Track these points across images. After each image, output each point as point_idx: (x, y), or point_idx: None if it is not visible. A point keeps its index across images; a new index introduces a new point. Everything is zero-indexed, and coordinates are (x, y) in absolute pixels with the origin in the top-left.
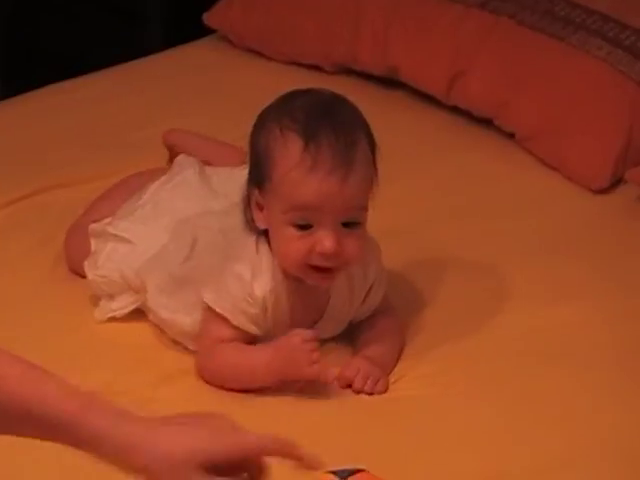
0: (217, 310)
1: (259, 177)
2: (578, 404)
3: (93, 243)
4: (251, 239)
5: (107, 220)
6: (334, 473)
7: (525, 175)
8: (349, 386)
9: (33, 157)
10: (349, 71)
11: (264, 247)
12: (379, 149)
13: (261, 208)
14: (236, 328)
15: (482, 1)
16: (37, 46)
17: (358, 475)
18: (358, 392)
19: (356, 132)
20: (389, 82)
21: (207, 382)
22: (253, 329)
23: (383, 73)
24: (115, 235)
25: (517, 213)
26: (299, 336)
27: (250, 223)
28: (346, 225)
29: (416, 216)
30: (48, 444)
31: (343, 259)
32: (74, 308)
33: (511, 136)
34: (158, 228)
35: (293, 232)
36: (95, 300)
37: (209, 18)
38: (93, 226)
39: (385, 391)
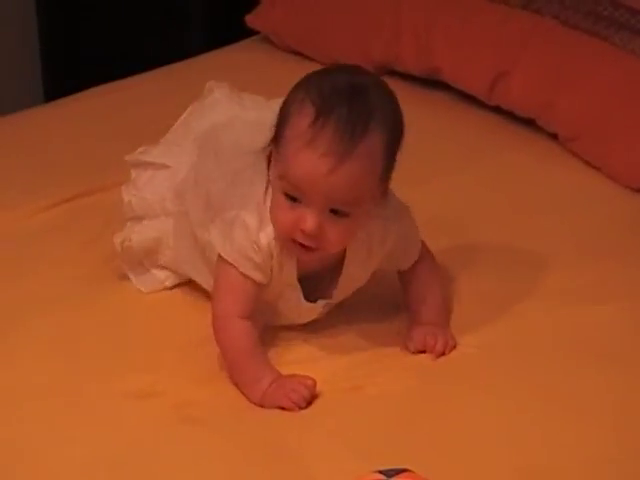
0: (223, 255)
1: (277, 132)
2: (614, 404)
3: (133, 173)
4: (261, 186)
5: (141, 149)
6: (380, 472)
7: (568, 175)
8: (422, 351)
9: (78, 159)
10: (391, 72)
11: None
12: (402, 146)
13: (272, 162)
14: (242, 274)
15: (525, 1)
16: (81, 48)
17: (404, 475)
18: (437, 354)
19: (372, 123)
20: (431, 83)
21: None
22: (258, 276)
23: (425, 74)
24: (152, 162)
25: (559, 212)
26: (305, 379)
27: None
28: (335, 211)
29: (458, 214)
30: None
31: (322, 243)
32: (116, 309)
33: (554, 136)
34: (191, 147)
35: (283, 200)
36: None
37: (251, 20)
38: (128, 157)
39: (455, 345)
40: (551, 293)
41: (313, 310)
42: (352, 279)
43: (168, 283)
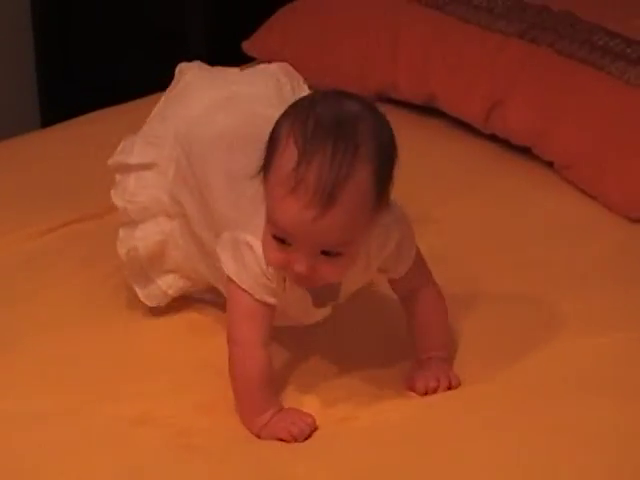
0: (238, 283)
1: (263, 166)
2: (618, 435)
3: (117, 176)
4: (262, 207)
5: (120, 148)
6: None
7: (564, 203)
8: (426, 392)
9: (75, 185)
10: (387, 99)
11: None
12: (393, 177)
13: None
14: (257, 301)
15: (521, 30)
16: (78, 73)
17: None
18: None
19: (358, 158)
20: (427, 110)
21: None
22: (273, 300)
23: (421, 101)
24: (134, 165)
25: (555, 241)
26: (305, 416)
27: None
28: (326, 252)
29: (454, 243)
30: None
31: (318, 281)
32: (114, 334)
33: (550, 165)
34: (172, 141)
35: (272, 241)
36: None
37: (248, 46)
38: (110, 161)
39: (459, 383)
40: (551, 324)
41: (322, 312)
42: (353, 283)
43: (172, 292)
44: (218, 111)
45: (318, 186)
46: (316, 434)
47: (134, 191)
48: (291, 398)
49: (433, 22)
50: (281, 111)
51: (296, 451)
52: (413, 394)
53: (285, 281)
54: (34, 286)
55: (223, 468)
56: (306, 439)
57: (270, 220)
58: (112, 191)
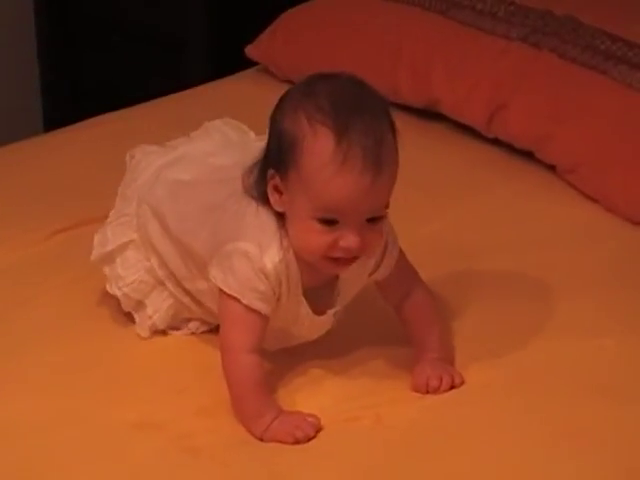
0: (225, 290)
1: (281, 161)
2: (620, 436)
3: (106, 269)
4: (250, 209)
5: (95, 243)
6: None
7: (566, 207)
8: (428, 391)
9: (76, 189)
10: (390, 103)
11: (266, 216)
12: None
13: (279, 192)
14: (246, 307)
15: (523, 34)
16: (81, 78)
17: None
18: (437, 392)
19: (383, 124)
20: (429, 114)
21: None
22: (263, 307)
23: (424, 105)
24: (114, 249)
25: (558, 245)
26: (309, 417)
27: (251, 193)
28: (369, 220)
29: (456, 247)
30: None
31: (363, 252)
32: (115, 342)
33: (552, 168)
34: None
35: (317, 226)
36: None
37: (251, 51)
38: (93, 258)
39: (462, 382)
40: (553, 327)
41: (325, 323)
42: (350, 285)
43: (198, 332)
44: (172, 167)
45: (365, 154)
46: (320, 435)
47: (124, 275)
48: (294, 400)
49: (435, 26)
50: (231, 158)
51: (300, 452)
52: (416, 394)
53: (281, 286)
54: (36, 291)
55: (226, 471)
56: (310, 440)
57: (316, 205)
58: (107, 285)
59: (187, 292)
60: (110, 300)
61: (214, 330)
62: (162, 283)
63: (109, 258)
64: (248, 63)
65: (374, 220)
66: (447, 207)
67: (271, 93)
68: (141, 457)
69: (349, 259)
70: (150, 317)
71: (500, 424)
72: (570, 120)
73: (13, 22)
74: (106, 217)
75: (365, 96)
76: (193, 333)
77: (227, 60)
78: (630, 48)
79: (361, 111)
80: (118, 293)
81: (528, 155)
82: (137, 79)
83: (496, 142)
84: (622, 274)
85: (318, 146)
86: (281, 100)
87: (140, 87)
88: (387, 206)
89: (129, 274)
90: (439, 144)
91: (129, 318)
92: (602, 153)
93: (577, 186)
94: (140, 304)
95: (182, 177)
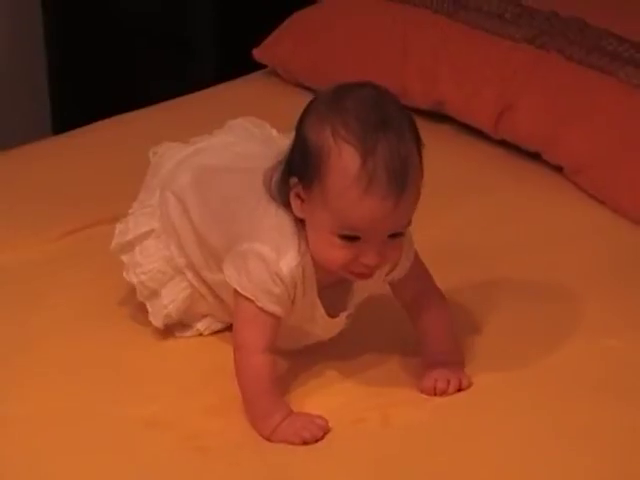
0: (240, 291)
1: (305, 172)
2: (628, 437)
3: (124, 258)
4: (269, 209)
5: (116, 232)
6: None
7: (573, 208)
8: (436, 393)
9: (86, 191)
10: None
11: (286, 219)
12: (423, 169)
13: (301, 199)
14: (260, 309)
15: (530, 36)
16: (89, 81)
17: None
18: (445, 394)
19: (409, 141)
20: (437, 116)
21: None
22: (277, 310)
23: (430, 107)
24: (134, 238)
25: (565, 246)
26: (318, 419)
27: (272, 193)
28: (391, 235)
29: (463, 248)
30: None
31: (382, 266)
32: (126, 341)
33: (559, 170)
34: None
35: (338, 241)
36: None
37: (259, 53)
38: (112, 247)
39: (469, 384)
40: (560, 328)
41: (338, 324)
42: (365, 287)
43: (207, 332)
44: (197, 155)
45: (390, 176)
46: (328, 436)
47: (143, 262)
48: (301, 401)
49: (442, 28)
50: (255, 148)
51: (308, 453)
52: (424, 396)
53: (296, 288)
54: (47, 290)
55: (235, 470)
56: (317, 441)
57: (340, 223)
58: (124, 273)
59: (205, 282)
60: (123, 300)
61: (223, 332)
62: (181, 272)
63: (128, 247)
64: (256, 66)
65: (395, 235)
66: (454, 208)
67: (279, 96)
68: (150, 456)
69: (368, 273)
70: (165, 307)
71: (507, 425)
72: (577, 121)
73: (21, 24)
74: (116, 219)
75: (391, 111)
76: (201, 334)
77: (235, 63)
78: (637, 49)
79: (387, 129)
80: (135, 280)
81: (535, 156)
82: (145, 82)
83: (503, 143)
84: (628, 275)
85: (342, 166)
86: (307, 109)
87: (148, 90)
88: (409, 223)
89: (148, 262)
90: (446, 145)
91: (142, 318)
92: (609, 154)
93: (584, 187)
94: (155, 294)
95: (206, 162)
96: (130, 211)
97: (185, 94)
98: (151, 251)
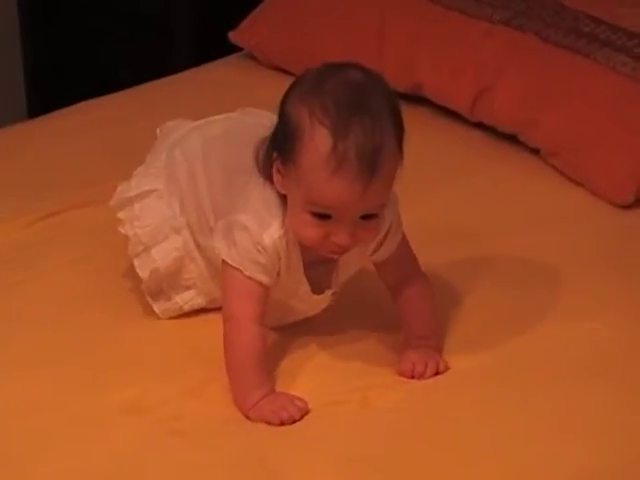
0: (228, 261)
1: (283, 149)
2: (607, 420)
3: (120, 214)
4: (258, 183)
5: (117, 191)
6: None
7: (550, 190)
8: (413, 376)
9: (61, 175)
10: None
11: (271, 193)
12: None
13: (281, 174)
14: (248, 277)
15: (507, 18)
16: (65, 63)
17: None
18: (422, 377)
19: (385, 126)
20: (414, 98)
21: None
22: (264, 279)
23: (408, 90)
24: (135, 195)
25: (542, 228)
26: (298, 400)
27: (259, 167)
28: (363, 216)
29: (440, 230)
30: None
31: (355, 246)
32: (102, 323)
33: (536, 152)
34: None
35: (310, 218)
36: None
37: (235, 36)
38: (112, 202)
39: (446, 368)
40: (540, 310)
41: (322, 301)
42: (349, 265)
43: (187, 307)
44: (206, 125)
45: (360, 160)
46: (307, 418)
47: (141, 216)
48: (282, 381)
49: (419, 10)
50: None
51: (286, 435)
52: (403, 378)
53: (280, 261)
54: (26, 274)
55: (213, 453)
56: (294, 422)
57: (310, 200)
58: (119, 227)
59: (199, 246)
60: (99, 285)
61: (202, 314)
62: (178, 232)
63: (128, 203)
64: (234, 48)
65: (369, 217)
66: (431, 191)
67: (255, 79)
68: (128, 439)
69: (340, 252)
70: (155, 261)
71: (485, 406)
72: (554, 103)
73: None
74: (89, 203)
75: (372, 96)
76: (181, 308)
77: (212, 45)
78: (613, 31)
79: (363, 113)
80: (130, 233)
81: (512, 139)
82: (122, 64)
83: (480, 126)
84: (607, 257)
85: (314, 146)
86: (293, 85)
87: (125, 72)
88: (384, 205)
89: (147, 216)
90: (423, 128)
91: (119, 303)
92: (586, 136)
93: (561, 169)
94: (147, 251)
95: (217, 132)
96: (134, 173)
97: (162, 77)
98: (151, 208)
